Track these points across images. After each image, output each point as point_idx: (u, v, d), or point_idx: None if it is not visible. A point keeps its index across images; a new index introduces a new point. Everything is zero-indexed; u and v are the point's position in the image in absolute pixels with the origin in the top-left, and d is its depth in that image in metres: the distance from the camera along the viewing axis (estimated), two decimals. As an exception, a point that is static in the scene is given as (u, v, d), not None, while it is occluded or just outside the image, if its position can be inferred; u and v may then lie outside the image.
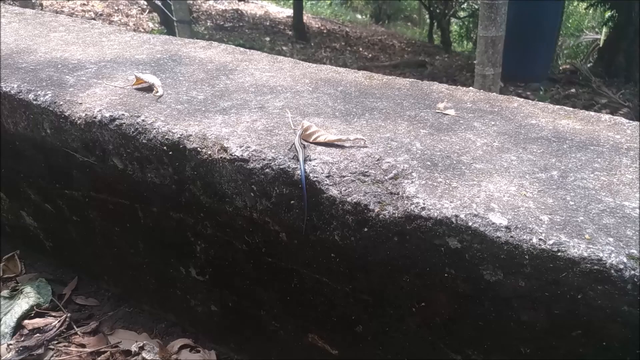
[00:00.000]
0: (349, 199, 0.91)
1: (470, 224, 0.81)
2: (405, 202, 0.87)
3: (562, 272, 0.75)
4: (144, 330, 1.49)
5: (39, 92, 1.26)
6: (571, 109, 1.23)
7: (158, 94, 1.24)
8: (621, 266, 0.72)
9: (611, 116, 1.19)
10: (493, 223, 0.80)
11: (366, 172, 0.95)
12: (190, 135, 1.07)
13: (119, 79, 1.35)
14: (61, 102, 1.23)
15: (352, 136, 1.03)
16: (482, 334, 0.89)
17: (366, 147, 1.02)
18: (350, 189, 0.92)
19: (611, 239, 0.76)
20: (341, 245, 0.96)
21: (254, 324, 1.26)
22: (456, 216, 0.82)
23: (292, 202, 0.98)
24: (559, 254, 0.75)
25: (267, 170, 0.98)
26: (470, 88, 1.34)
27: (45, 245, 1.66)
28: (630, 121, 1.17)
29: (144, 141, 1.11)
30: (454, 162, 0.98)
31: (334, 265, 1.00)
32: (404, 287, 0.93)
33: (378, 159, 0.98)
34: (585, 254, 0.74)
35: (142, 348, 1.38)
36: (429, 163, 0.97)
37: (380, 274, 0.94)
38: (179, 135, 1.07)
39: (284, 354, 1.26)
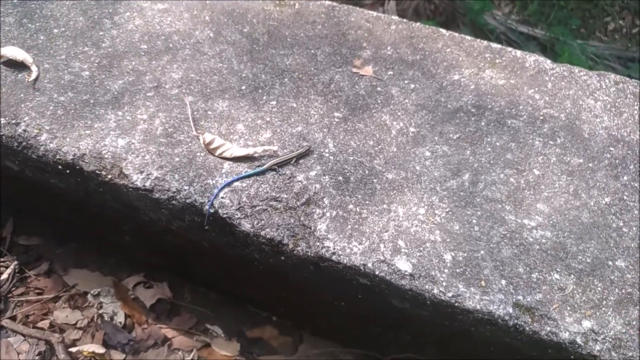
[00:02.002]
0: (262, 233, 0.91)
1: (377, 272, 0.84)
2: (317, 243, 0.88)
3: (459, 315, 0.83)
4: (96, 268, 1.56)
5: None
6: (498, 47, 1.13)
7: (33, 76, 1.06)
8: (507, 317, 0.80)
9: (536, 59, 1.11)
10: (399, 270, 0.84)
11: (278, 197, 0.92)
12: (85, 154, 0.97)
13: (-22, 42, 1.12)
14: None
15: (260, 148, 0.96)
16: (394, 325, 1.02)
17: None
18: (263, 222, 0.91)
19: (504, 282, 0.83)
20: (262, 262, 0.99)
21: (197, 275, 1.35)
22: (364, 265, 0.85)
23: (206, 227, 0.96)
24: (456, 304, 0.82)
25: (173, 202, 0.93)
26: (393, 18, 1.18)
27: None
28: (554, 66, 1.10)
29: (34, 157, 1.00)
30: (367, 172, 0.94)
31: (260, 270, 1.04)
32: (327, 293, 1.01)
33: (290, 177, 0.94)
34: (479, 307, 0.81)
35: (98, 295, 1.48)
36: (341, 178, 0.94)
37: (304, 284, 1.00)
38: (71, 156, 0.97)
39: (227, 293, 1.38)
